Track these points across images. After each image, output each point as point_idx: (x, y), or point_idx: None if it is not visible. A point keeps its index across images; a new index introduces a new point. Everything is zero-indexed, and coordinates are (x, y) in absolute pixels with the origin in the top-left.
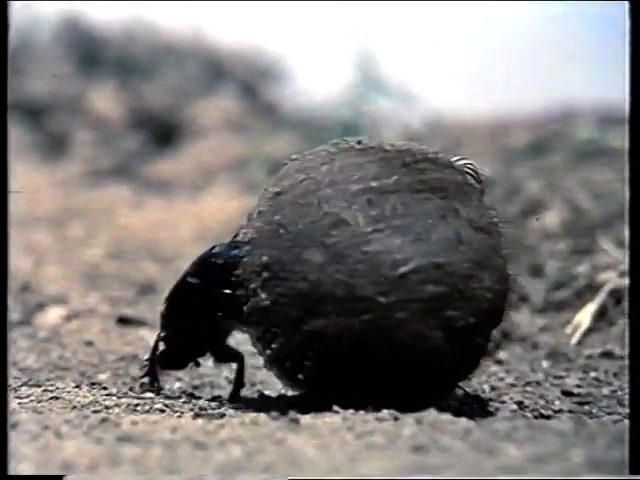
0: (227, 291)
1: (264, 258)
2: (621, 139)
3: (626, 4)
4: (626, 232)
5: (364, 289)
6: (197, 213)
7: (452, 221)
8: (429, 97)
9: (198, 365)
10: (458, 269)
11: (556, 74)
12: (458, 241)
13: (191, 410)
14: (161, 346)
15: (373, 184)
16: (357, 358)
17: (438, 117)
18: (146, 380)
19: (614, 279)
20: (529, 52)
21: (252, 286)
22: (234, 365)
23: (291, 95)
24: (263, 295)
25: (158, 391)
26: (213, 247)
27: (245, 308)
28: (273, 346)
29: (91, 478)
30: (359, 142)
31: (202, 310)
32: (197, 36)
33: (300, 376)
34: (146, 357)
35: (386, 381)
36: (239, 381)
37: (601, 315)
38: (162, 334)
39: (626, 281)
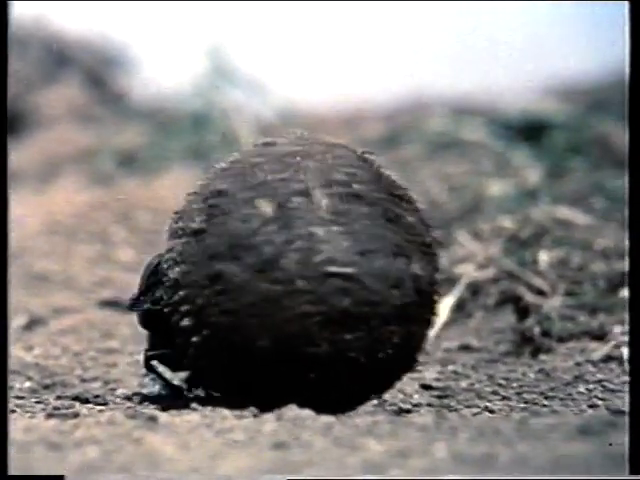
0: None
1: (193, 225)
2: (474, 131)
3: (626, 4)
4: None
5: (289, 265)
6: (44, 206)
7: (400, 264)
8: (282, 88)
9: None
10: (384, 305)
11: (408, 65)
12: (397, 282)
13: (43, 410)
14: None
15: (356, 187)
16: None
17: (292, 107)
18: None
19: (471, 272)
20: (392, 42)
21: (170, 245)
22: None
23: (140, 85)
24: (179, 261)
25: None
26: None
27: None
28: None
29: (91, 478)
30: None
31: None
32: (38, 21)
33: (195, 339)
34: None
35: (258, 368)
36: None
37: (458, 308)
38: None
39: (483, 273)
